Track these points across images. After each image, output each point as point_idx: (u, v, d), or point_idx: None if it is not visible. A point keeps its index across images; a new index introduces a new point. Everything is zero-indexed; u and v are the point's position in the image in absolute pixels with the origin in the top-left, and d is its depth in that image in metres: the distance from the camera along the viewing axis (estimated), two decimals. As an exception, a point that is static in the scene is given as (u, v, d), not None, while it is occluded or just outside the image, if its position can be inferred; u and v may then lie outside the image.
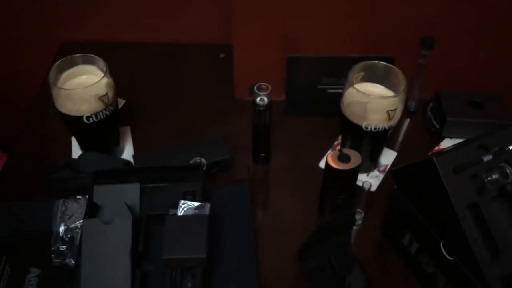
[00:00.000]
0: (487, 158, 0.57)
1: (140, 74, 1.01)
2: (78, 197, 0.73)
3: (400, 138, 0.89)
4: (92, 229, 0.61)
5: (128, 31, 1.05)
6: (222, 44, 1.03)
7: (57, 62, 0.74)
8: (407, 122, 0.91)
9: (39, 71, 0.93)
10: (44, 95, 0.84)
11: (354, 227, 0.73)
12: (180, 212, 0.64)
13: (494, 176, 0.56)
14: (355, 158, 0.67)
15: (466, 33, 0.84)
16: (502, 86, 0.89)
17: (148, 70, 1.02)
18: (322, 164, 0.83)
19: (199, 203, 0.65)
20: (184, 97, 0.96)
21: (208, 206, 0.65)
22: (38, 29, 1.06)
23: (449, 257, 0.59)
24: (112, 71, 0.76)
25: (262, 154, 0.82)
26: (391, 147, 0.86)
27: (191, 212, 0.64)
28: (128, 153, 0.84)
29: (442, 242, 0.60)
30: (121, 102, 0.92)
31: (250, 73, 0.90)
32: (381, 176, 0.81)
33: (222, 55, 1.04)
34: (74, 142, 0.84)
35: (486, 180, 0.56)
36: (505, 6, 0.81)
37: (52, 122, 0.84)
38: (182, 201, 0.65)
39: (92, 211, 0.64)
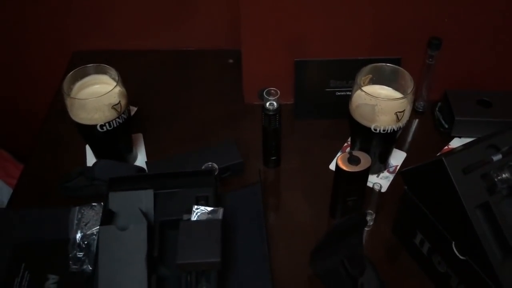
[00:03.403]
0: (497, 157, 0.57)
1: (151, 81, 1.02)
2: (93, 204, 0.74)
3: (409, 138, 0.89)
4: (108, 235, 0.63)
5: (138, 39, 1.07)
6: (231, 50, 1.04)
7: (70, 73, 0.75)
8: (415, 122, 0.92)
9: (53, 80, 0.95)
10: (58, 104, 0.85)
11: (366, 228, 0.74)
12: (194, 217, 0.65)
13: (504, 175, 0.57)
14: (365, 160, 0.68)
15: (473, 32, 0.84)
16: (511, 84, 0.89)
17: (158, 77, 1.03)
18: (332, 166, 0.84)
19: (212, 208, 0.66)
20: (195, 103, 0.97)
21: (221, 210, 0.66)
22: (50, 39, 1.08)
23: (461, 257, 0.59)
24: (123, 79, 0.77)
25: (273, 158, 0.83)
26: (401, 147, 0.86)
27: (204, 217, 0.65)
28: (141, 160, 0.85)
29: (454, 242, 0.60)
30: (133, 110, 0.94)
31: (259, 78, 0.91)
32: (391, 177, 0.82)
33: (230, 61, 1.05)
34: (89, 150, 0.85)
35: (496, 179, 0.57)
36: None
37: (66, 131, 0.86)
38: (196, 206, 0.66)
39: (108, 218, 0.66)
